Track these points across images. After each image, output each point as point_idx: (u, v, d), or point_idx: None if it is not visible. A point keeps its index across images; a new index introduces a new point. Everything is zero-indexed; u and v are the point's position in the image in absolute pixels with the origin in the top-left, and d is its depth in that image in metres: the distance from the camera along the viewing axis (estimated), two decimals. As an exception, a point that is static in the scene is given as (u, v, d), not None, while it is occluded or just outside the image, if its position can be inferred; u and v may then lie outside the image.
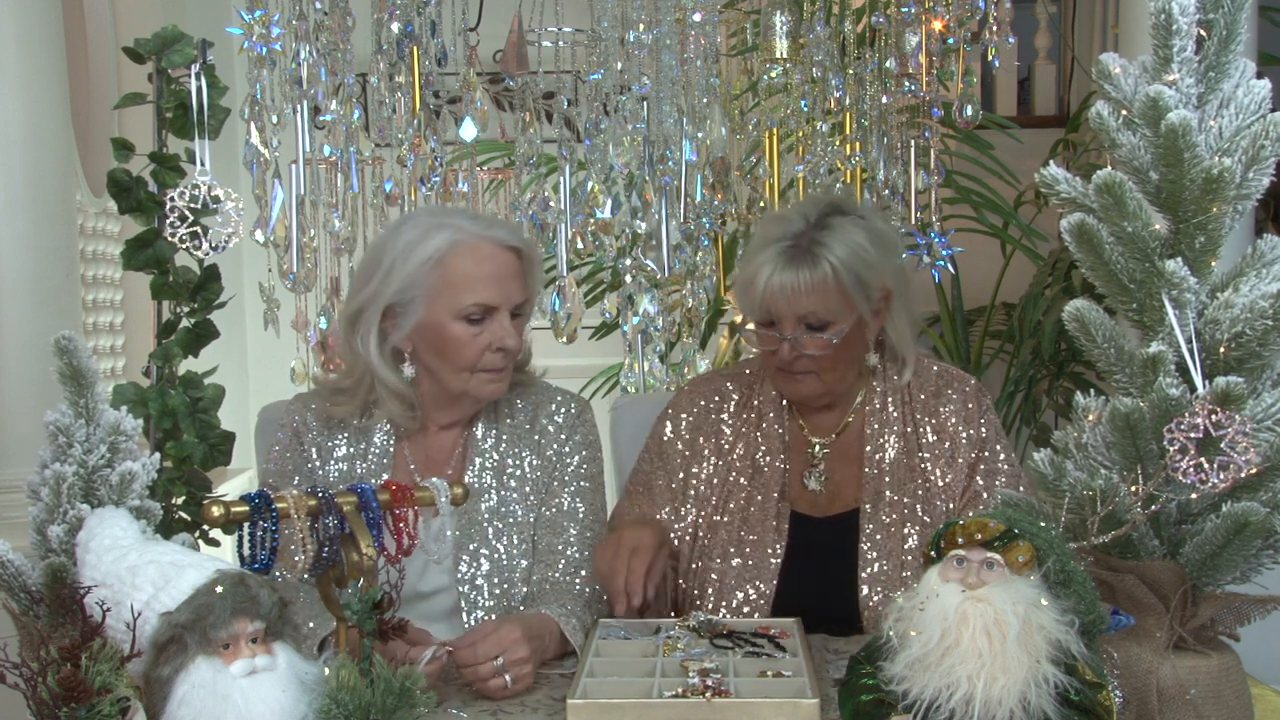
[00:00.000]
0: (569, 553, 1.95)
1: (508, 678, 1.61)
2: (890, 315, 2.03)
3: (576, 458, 2.02)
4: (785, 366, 1.99)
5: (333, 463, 1.97)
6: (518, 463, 1.99)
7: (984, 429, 2.02)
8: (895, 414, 2.05)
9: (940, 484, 2.01)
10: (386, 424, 1.98)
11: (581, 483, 2.01)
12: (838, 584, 1.99)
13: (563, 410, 2.04)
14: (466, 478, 1.94)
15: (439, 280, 1.87)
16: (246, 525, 1.44)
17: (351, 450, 1.97)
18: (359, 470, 1.96)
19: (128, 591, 1.31)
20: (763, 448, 2.09)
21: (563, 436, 2.02)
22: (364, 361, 1.92)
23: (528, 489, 1.98)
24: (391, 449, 1.97)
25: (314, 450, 1.97)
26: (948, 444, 2.02)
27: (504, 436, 2.00)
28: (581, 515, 1.99)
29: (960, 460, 2.01)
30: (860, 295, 1.95)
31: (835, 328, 1.95)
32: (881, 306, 2.01)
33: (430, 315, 1.88)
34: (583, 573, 1.94)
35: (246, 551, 1.43)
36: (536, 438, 2.01)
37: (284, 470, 1.97)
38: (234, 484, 4.02)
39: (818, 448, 2.09)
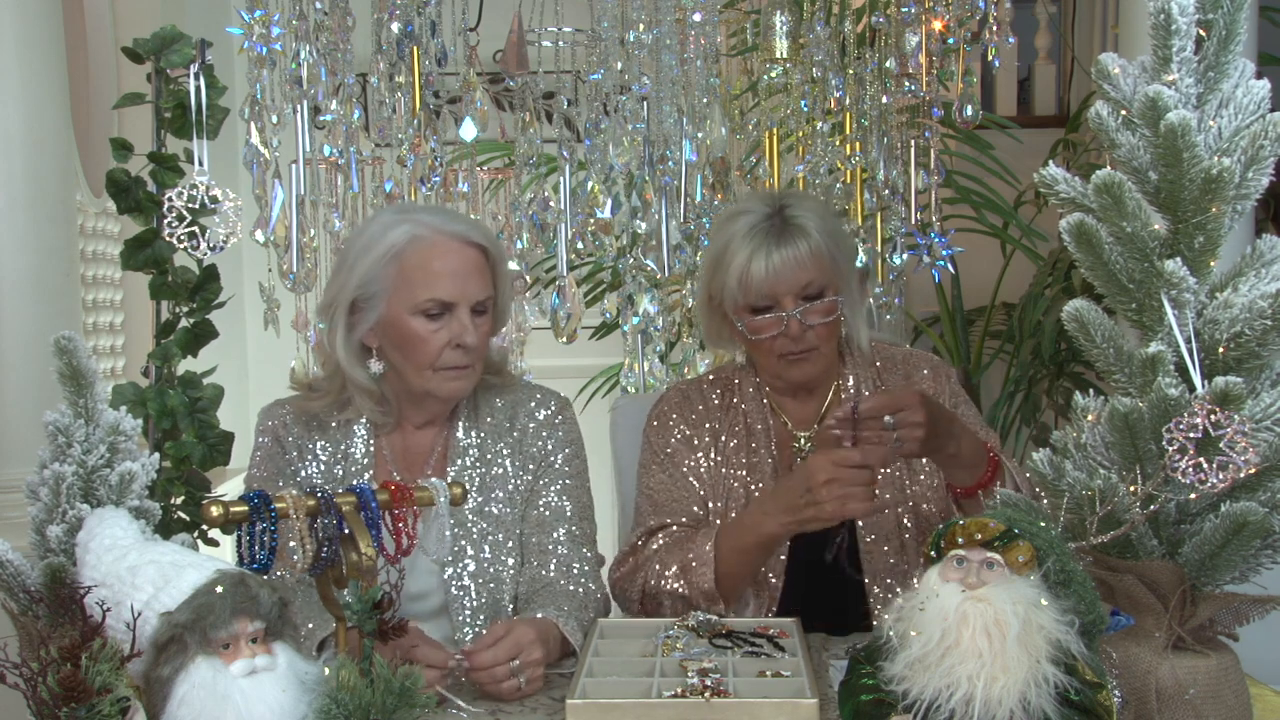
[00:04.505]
0: (559, 551, 1.95)
1: (521, 679, 1.61)
2: (851, 287, 2.08)
3: (560, 456, 2.01)
4: (793, 345, 2.00)
5: (314, 464, 1.96)
6: (499, 462, 1.99)
7: (951, 397, 2.10)
8: (869, 396, 2.07)
9: (924, 459, 2.04)
10: (365, 424, 1.97)
11: (567, 480, 2.00)
12: (839, 574, 2.01)
13: (543, 409, 2.03)
14: (448, 479, 1.94)
15: (396, 275, 1.87)
16: (245, 525, 1.44)
17: (332, 451, 1.97)
18: (338, 472, 1.96)
19: (128, 591, 1.31)
20: (751, 445, 2.10)
21: (544, 434, 2.01)
22: (334, 357, 1.93)
23: (510, 488, 1.98)
24: (371, 449, 1.97)
25: (295, 452, 1.96)
26: None
27: (484, 436, 2.00)
28: (569, 513, 1.98)
29: None
30: (844, 260, 2.03)
31: (830, 291, 2.00)
32: (848, 275, 2.06)
33: (390, 311, 1.88)
34: (574, 571, 1.93)
35: (246, 552, 1.43)
36: (516, 435, 2.00)
37: (268, 474, 1.96)
38: (233, 484, 4.02)
39: (804, 440, 2.10)
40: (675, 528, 2.04)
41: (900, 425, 1.82)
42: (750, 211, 2.02)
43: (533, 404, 2.03)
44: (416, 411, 1.99)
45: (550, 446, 2.01)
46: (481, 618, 1.91)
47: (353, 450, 1.97)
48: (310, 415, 1.98)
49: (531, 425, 2.01)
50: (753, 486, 2.07)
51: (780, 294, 1.98)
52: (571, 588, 1.91)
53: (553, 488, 1.99)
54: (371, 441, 1.97)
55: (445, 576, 1.92)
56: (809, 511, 1.84)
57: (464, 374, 1.91)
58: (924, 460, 2.05)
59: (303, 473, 1.95)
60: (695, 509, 2.07)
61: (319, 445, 1.97)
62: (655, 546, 2.01)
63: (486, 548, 1.94)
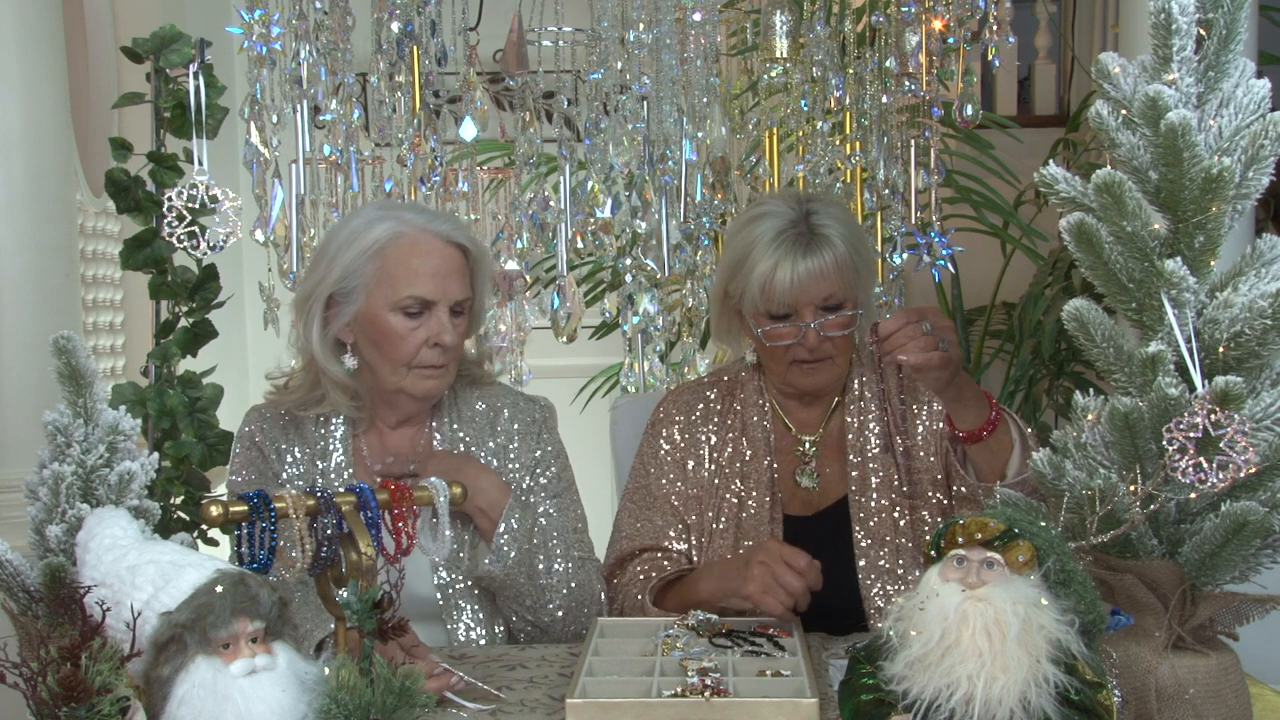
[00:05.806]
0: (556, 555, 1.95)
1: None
2: (868, 295, 2.08)
3: (550, 470, 2.00)
4: (808, 355, 1.99)
5: (292, 467, 1.96)
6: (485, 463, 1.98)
7: None
8: (872, 399, 2.08)
9: (924, 458, 2.04)
10: (342, 427, 1.96)
11: (556, 497, 2.00)
12: (837, 575, 2.00)
13: (520, 419, 2.02)
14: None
15: (377, 271, 1.87)
16: (245, 525, 1.43)
17: (310, 452, 1.96)
18: (317, 471, 1.95)
19: (128, 591, 1.31)
20: (749, 452, 2.10)
21: (528, 445, 2.00)
22: (308, 350, 1.92)
23: None
24: (349, 450, 1.96)
25: (274, 456, 1.96)
26: (924, 413, 2.07)
27: (464, 436, 1.99)
28: (561, 523, 1.97)
29: (936, 427, 2.05)
30: (865, 269, 2.02)
31: (849, 304, 1.99)
32: (868, 284, 2.06)
33: (368, 306, 1.88)
34: (570, 575, 1.93)
35: (245, 551, 1.43)
36: (501, 440, 1.99)
37: (248, 481, 1.96)
38: (233, 484, 4.02)
39: (808, 444, 2.09)
40: (659, 554, 2.05)
41: (935, 329, 1.82)
42: (775, 214, 2.00)
43: (510, 411, 2.02)
44: (389, 410, 1.98)
45: (533, 460, 2.00)
46: (472, 624, 1.91)
47: (331, 450, 1.96)
48: (287, 417, 1.97)
49: (517, 435, 2.00)
50: (749, 500, 2.07)
51: (801, 304, 1.97)
52: (567, 589, 1.91)
53: (543, 504, 1.98)
54: (349, 443, 1.96)
55: (436, 580, 1.91)
56: (734, 584, 1.84)
57: (438, 374, 1.91)
58: (924, 456, 2.05)
59: (282, 475, 1.95)
60: (672, 532, 2.07)
61: (296, 449, 1.96)
62: (625, 579, 2.03)
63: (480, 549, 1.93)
